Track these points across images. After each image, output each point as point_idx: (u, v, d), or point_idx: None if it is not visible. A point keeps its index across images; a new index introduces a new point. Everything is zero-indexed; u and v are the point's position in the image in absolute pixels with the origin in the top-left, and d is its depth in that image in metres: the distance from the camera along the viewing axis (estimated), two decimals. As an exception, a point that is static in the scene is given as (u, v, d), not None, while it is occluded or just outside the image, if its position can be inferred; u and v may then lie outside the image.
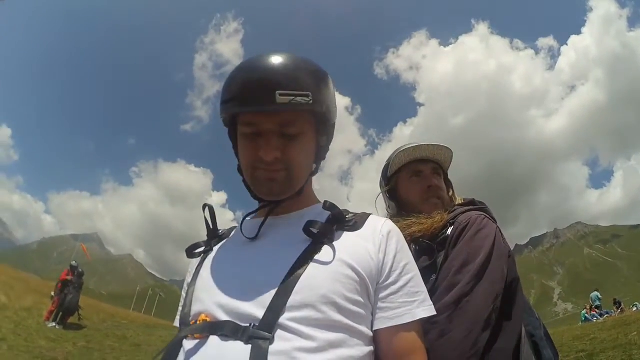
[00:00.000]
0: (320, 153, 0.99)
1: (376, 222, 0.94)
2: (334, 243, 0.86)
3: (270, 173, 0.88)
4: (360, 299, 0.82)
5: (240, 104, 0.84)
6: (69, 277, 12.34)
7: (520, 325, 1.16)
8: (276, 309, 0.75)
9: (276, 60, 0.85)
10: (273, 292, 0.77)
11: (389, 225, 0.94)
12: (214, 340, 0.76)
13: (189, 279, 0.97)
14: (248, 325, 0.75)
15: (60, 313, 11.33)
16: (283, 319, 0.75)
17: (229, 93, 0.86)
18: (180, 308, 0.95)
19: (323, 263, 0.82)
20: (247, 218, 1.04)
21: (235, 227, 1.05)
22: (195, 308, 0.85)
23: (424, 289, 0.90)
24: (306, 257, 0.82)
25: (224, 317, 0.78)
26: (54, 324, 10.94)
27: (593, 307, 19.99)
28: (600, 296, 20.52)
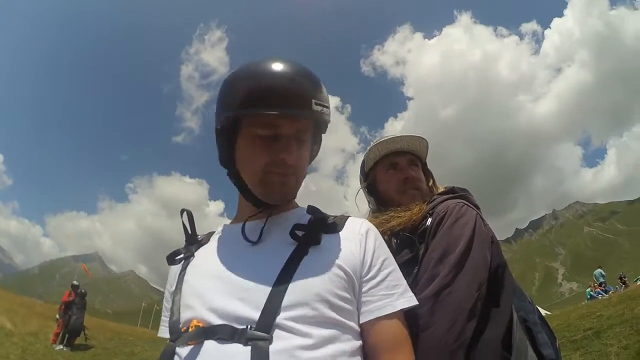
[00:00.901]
0: (311, 160, 1.03)
1: (355, 222, 0.98)
2: (319, 244, 0.89)
3: (284, 177, 0.91)
4: (348, 295, 0.85)
5: (281, 105, 0.83)
6: (71, 298, 12.28)
7: (510, 312, 1.12)
8: (272, 309, 0.76)
9: (305, 70, 0.89)
10: (267, 294, 0.79)
11: (367, 224, 0.99)
12: (210, 344, 0.76)
13: (172, 287, 0.96)
14: (245, 327, 0.75)
15: (67, 335, 11.28)
16: (280, 319, 0.76)
17: (255, 94, 0.84)
18: (164, 318, 0.96)
19: (312, 263, 0.84)
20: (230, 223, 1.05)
21: (213, 232, 1.06)
22: (185, 315, 0.85)
23: (403, 282, 0.94)
24: (295, 258, 0.84)
25: (217, 321, 0.78)
26: (61, 347, 10.89)
27: (597, 284, 20.08)
28: (604, 273, 20.58)
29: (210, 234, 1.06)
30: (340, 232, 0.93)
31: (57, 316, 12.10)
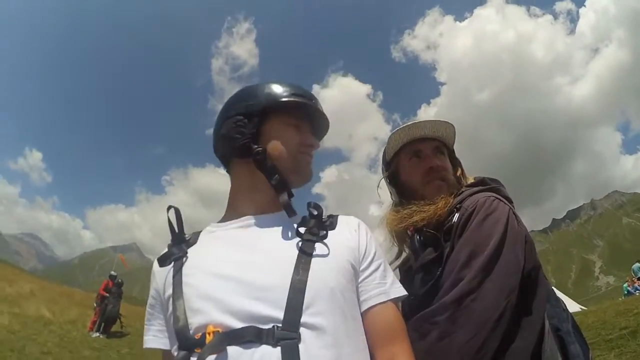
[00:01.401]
0: None
1: (346, 219, 1.02)
2: (324, 240, 0.91)
3: (311, 159, 1.03)
4: (354, 287, 0.89)
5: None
6: (109, 287, 12.81)
7: (542, 320, 1.02)
8: (295, 307, 0.75)
9: None
10: (285, 291, 0.77)
11: (357, 220, 1.03)
12: (234, 350, 0.72)
13: (168, 291, 0.87)
14: (271, 327, 0.73)
15: (103, 322, 11.78)
16: (305, 317, 0.75)
17: (298, 91, 1.01)
18: (155, 326, 0.93)
19: (323, 258, 0.86)
20: (222, 222, 0.99)
21: (200, 231, 1.00)
22: (195, 320, 0.78)
23: (392, 274, 0.97)
24: (306, 254, 0.85)
25: (239, 324, 0.74)
26: (97, 334, 11.39)
27: (635, 279, 19.22)
28: (643, 268, 19.68)
29: (197, 233, 1.00)
30: (336, 229, 0.96)
31: (95, 304, 12.68)
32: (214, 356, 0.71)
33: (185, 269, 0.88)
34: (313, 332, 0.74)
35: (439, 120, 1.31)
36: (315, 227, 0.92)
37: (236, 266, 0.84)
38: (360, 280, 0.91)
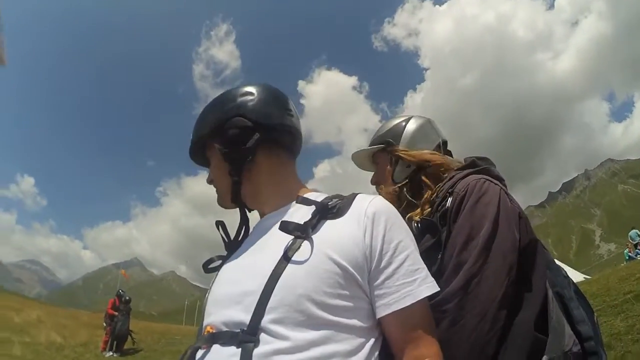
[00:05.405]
0: None
1: (361, 202, 0.91)
2: (314, 236, 0.84)
3: None
4: (344, 292, 0.80)
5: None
6: (116, 305, 12.80)
7: (543, 291, 1.04)
8: (258, 312, 0.78)
9: None
10: (258, 296, 0.80)
11: (376, 203, 0.90)
12: (215, 348, 0.80)
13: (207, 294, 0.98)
14: (239, 331, 0.78)
15: (115, 341, 11.77)
16: (264, 322, 0.77)
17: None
18: None
19: (301, 261, 0.81)
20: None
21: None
22: (205, 321, 0.89)
23: (423, 265, 0.87)
24: (286, 257, 0.83)
25: (222, 327, 0.82)
26: (110, 353, 11.41)
27: (632, 245, 19.41)
28: (639, 232, 19.89)
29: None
30: (343, 217, 0.88)
31: (104, 324, 12.64)
32: (203, 351, 0.82)
33: (216, 276, 0.97)
34: (271, 338, 0.76)
35: (354, 153, 1.55)
36: (306, 223, 0.87)
37: (233, 271, 0.92)
38: (378, 281, 0.83)
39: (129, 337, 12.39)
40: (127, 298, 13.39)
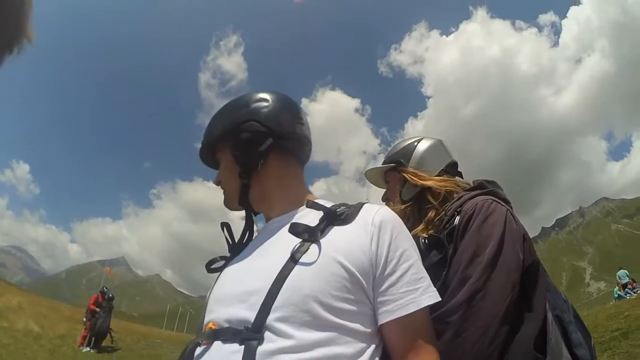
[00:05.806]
0: None
1: (369, 211, 0.94)
2: (322, 240, 0.87)
3: None
4: (350, 296, 0.82)
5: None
6: (99, 302, 12.64)
7: (543, 311, 1.07)
8: (264, 311, 0.79)
9: None
10: (263, 295, 0.81)
11: (382, 213, 0.93)
12: (216, 344, 0.81)
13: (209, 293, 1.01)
14: (243, 328, 0.79)
15: (93, 337, 11.61)
16: (270, 320, 0.78)
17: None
18: None
19: (309, 262, 0.83)
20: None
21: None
22: (207, 318, 0.90)
23: (426, 275, 0.89)
24: (294, 258, 0.85)
25: (225, 324, 0.83)
26: (88, 349, 11.23)
27: (621, 285, 19.44)
28: (628, 273, 19.93)
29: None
30: (350, 225, 0.90)
31: (84, 319, 12.50)
32: (204, 347, 0.83)
33: (219, 274, 1.00)
34: (276, 336, 0.77)
35: (368, 170, 1.63)
36: (315, 227, 0.90)
37: (242, 272, 0.93)
38: (383, 288, 0.85)
39: (109, 335, 12.24)
40: (111, 295, 13.24)
